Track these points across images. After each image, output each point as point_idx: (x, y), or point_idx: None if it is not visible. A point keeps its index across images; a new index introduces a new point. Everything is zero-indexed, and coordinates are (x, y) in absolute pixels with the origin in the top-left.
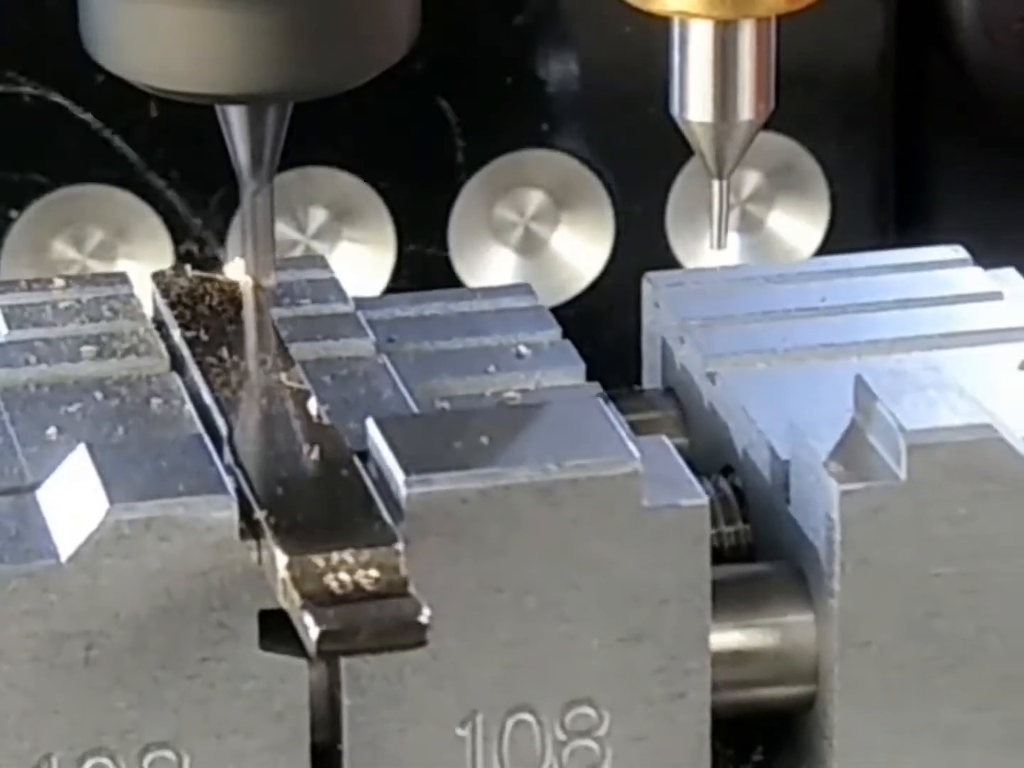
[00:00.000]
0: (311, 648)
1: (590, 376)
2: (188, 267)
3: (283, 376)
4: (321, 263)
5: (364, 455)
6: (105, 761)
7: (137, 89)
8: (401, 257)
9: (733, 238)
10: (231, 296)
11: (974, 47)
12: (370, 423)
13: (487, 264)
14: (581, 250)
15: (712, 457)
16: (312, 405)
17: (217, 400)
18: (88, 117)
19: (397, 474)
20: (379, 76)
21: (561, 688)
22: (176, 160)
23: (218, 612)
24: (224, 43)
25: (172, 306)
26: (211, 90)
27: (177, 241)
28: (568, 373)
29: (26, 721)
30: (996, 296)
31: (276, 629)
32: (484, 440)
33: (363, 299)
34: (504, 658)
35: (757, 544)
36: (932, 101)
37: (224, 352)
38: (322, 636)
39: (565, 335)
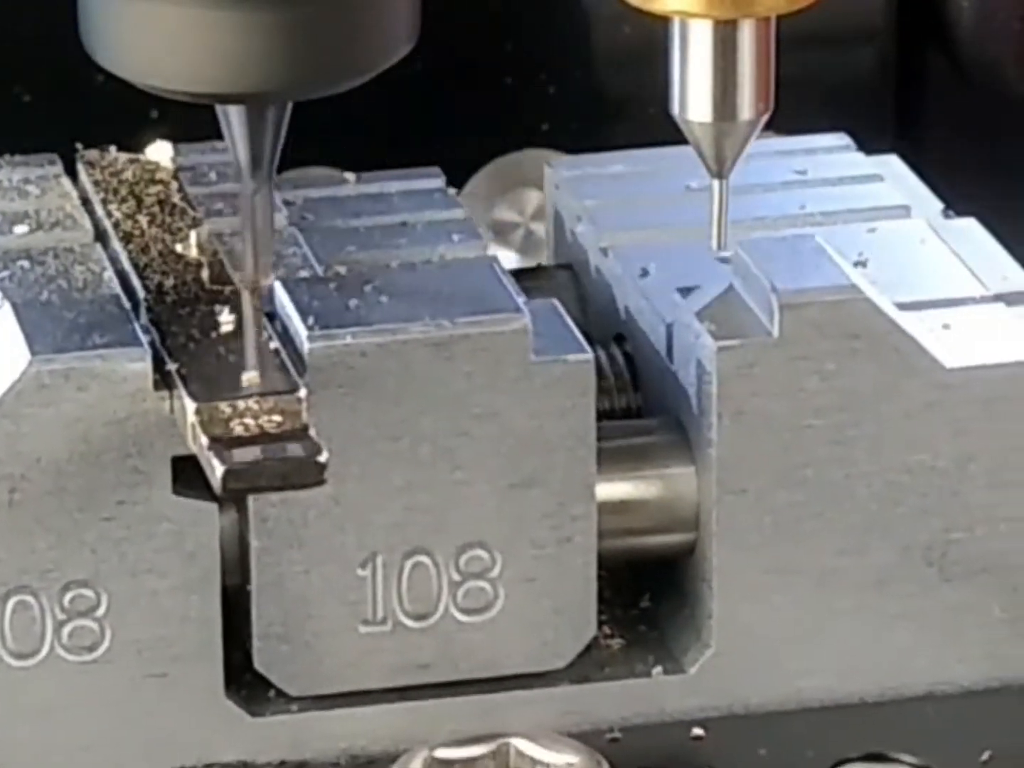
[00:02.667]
0: (217, 487)
1: None
2: (113, 148)
3: (197, 246)
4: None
5: (272, 315)
6: (28, 598)
7: (137, 89)
8: None
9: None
10: (153, 175)
11: (974, 47)
12: (277, 285)
13: None
14: None
15: (605, 327)
16: (224, 272)
17: (136, 266)
18: (88, 117)
19: (301, 330)
20: (379, 76)
21: (455, 532)
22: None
23: (133, 458)
24: (224, 43)
25: (97, 184)
26: (211, 90)
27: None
28: (470, 247)
29: None
30: (877, 178)
31: (188, 474)
32: (383, 299)
33: (279, 180)
34: (401, 503)
35: (646, 407)
36: (932, 101)
37: (144, 225)
38: (227, 475)
39: None
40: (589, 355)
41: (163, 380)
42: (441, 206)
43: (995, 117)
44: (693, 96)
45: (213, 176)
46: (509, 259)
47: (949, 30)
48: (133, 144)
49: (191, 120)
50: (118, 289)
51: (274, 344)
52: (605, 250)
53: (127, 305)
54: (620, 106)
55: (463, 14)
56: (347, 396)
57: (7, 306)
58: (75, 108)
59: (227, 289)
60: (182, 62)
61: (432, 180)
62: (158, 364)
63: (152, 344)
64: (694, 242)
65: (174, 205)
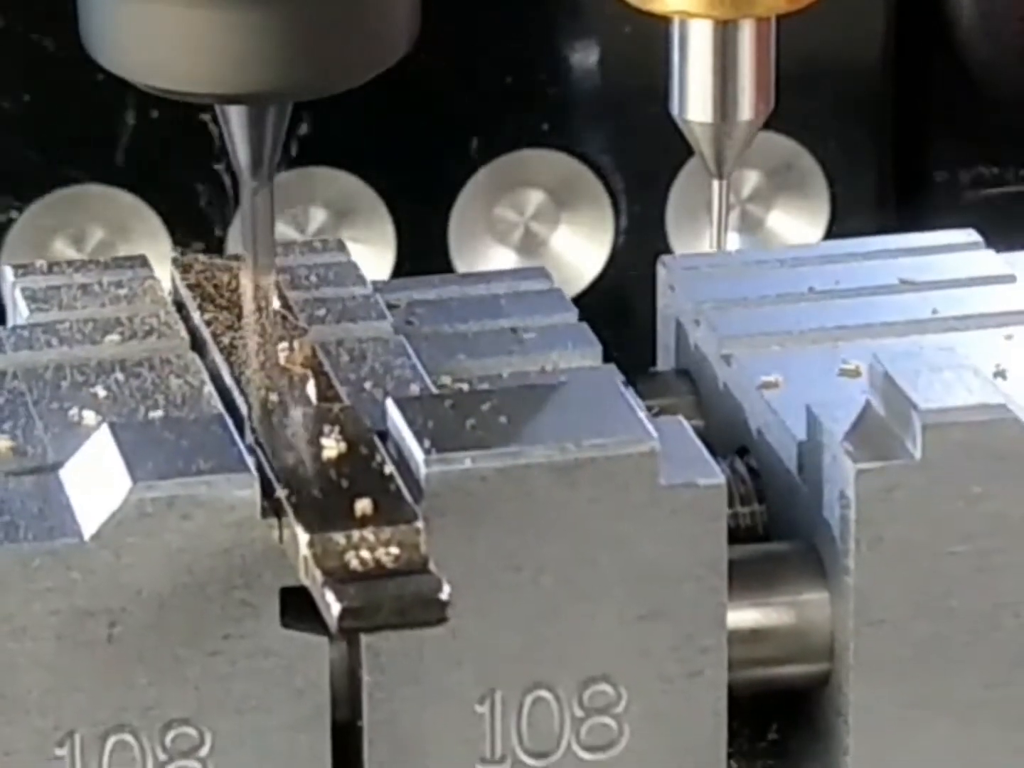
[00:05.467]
0: (332, 625)
1: None
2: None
3: (302, 358)
4: (339, 247)
5: (384, 435)
6: (128, 738)
7: (137, 89)
8: (401, 257)
9: (733, 238)
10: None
11: (974, 47)
12: (389, 403)
13: (487, 264)
14: (581, 250)
15: (727, 439)
16: (332, 386)
17: (237, 380)
18: (88, 116)
19: (417, 453)
20: (379, 76)
21: (579, 665)
22: (176, 159)
23: (240, 590)
24: (224, 43)
25: (191, 288)
26: (211, 90)
27: (177, 241)
28: (584, 355)
29: (49, 698)
30: (1009, 279)
31: (297, 607)
32: (502, 419)
33: (380, 282)
34: (522, 636)
35: (773, 525)
36: (932, 101)
37: (244, 334)
38: (343, 613)
39: None
40: (720, 478)
41: (271, 507)
42: (551, 310)
43: (996, 116)
44: (693, 96)
45: (313, 279)
46: (509, 259)
47: (949, 30)
48: (134, 143)
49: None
50: (220, 407)
51: (388, 468)
52: (727, 358)
53: (231, 425)
54: (620, 106)
55: (463, 14)
56: (465, 524)
57: (104, 427)
58: (75, 108)
59: (336, 407)
60: (182, 62)
61: (540, 281)
62: (266, 490)
63: (259, 468)
64: (822, 350)
65: (274, 312)
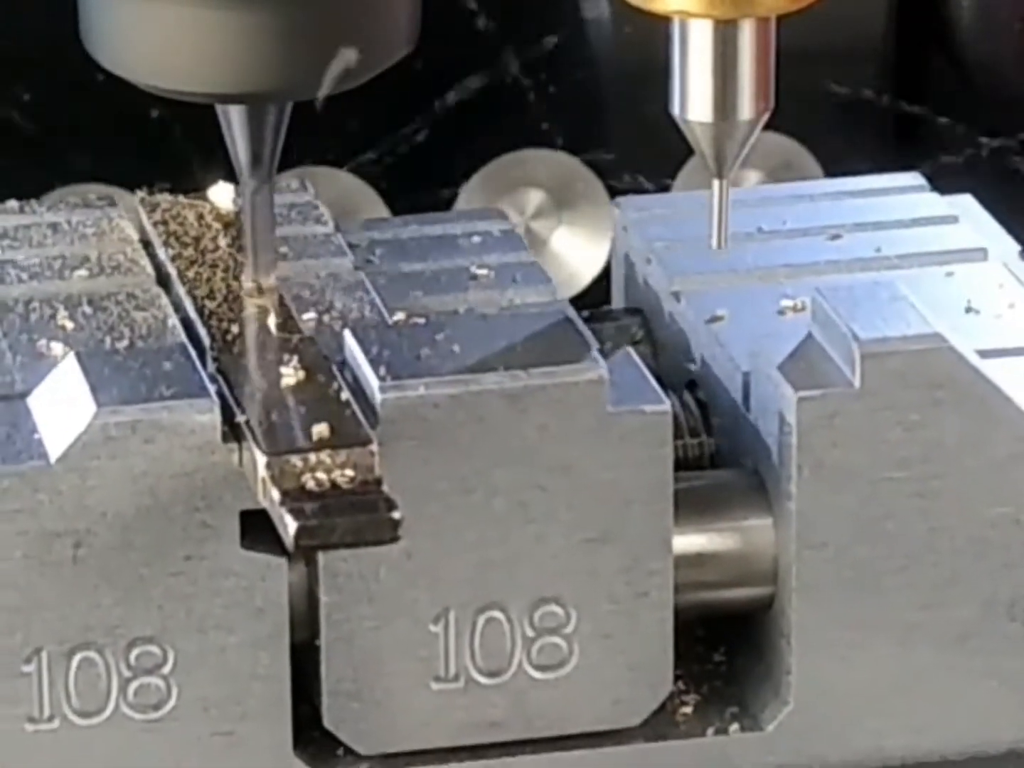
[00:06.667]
0: (289, 543)
1: None
2: (168, 192)
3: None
4: (302, 187)
5: (342, 364)
6: (93, 655)
7: (137, 89)
8: None
9: None
10: (215, 217)
11: (974, 47)
12: (346, 333)
13: None
14: (581, 250)
15: (677, 373)
16: (291, 318)
17: (200, 313)
18: (89, 117)
19: (372, 380)
20: (379, 76)
21: (529, 587)
22: (176, 159)
23: (201, 512)
24: (224, 43)
25: (157, 226)
26: (211, 90)
27: None
28: (539, 292)
29: (17, 617)
30: (952, 220)
31: (257, 529)
32: (455, 348)
33: (342, 221)
34: (474, 557)
35: (719, 455)
36: (932, 101)
37: (208, 269)
38: (299, 531)
39: None
40: (667, 405)
41: (232, 432)
42: (508, 249)
43: (995, 116)
44: (693, 96)
45: (277, 218)
46: None
47: (949, 30)
48: (136, 143)
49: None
50: (183, 337)
51: (344, 395)
52: (677, 294)
53: (193, 354)
54: (620, 106)
55: (463, 14)
56: (419, 448)
57: (71, 355)
58: (75, 108)
59: (295, 338)
60: (182, 62)
61: (498, 222)
62: (226, 415)
63: (220, 395)
64: (769, 287)
65: (238, 249)
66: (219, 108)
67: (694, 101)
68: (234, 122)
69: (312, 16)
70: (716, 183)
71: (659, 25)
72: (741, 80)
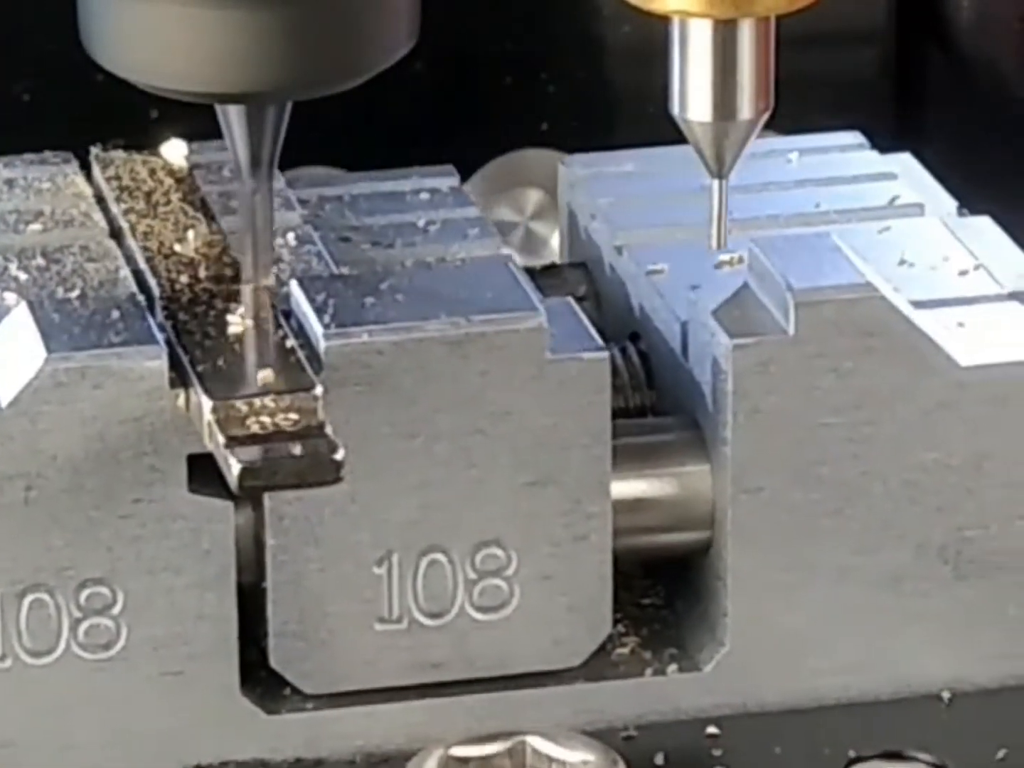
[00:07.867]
0: (234, 484)
1: None
2: (122, 147)
3: (213, 243)
4: None
5: (288, 314)
6: (44, 596)
7: (137, 89)
8: None
9: None
10: (167, 173)
11: (974, 47)
12: (293, 283)
13: None
14: None
15: (619, 326)
16: (238, 268)
17: (151, 264)
18: (88, 117)
19: (317, 328)
20: (379, 76)
21: (471, 530)
22: None
23: (149, 456)
24: (224, 43)
25: (111, 182)
26: (211, 90)
27: None
28: (484, 246)
29: None
30: (890, 176)
31: (204, 473)
32: (399, 297)
33: (291, 176)
34: (417, 501)
35: (660, 404)
36: (932, 101)
37: (159, 223)
38: (243, 472)
39: None
40: (605, 353)
41: (179, 378)
42: (455, 204)
43: (995, 116)
44: (693, 96)
45: (227, 173)
46: None
47: (949, 30)
48: (136, 144)
49: (191, 120)
50: (134, 287)
51: (290, 342)
52: (619, 248)
53: (143, 303)
54: (620, 106)
55: (463, 14)
56: (363, 394)
57: (23, 304)
58: (75, 108)
59: (242, 287)
60: (182, 62)
61: (446, 179)
62: (174, 362)
63: (168, 342)
64: (708, 240)
65: (189, 203)
66: (218, 108)
67: (694, 101)
68: (233, 122)
69: (312, 16)
70: (716, 183)
71: (659, 25)
72: (741, 80)
